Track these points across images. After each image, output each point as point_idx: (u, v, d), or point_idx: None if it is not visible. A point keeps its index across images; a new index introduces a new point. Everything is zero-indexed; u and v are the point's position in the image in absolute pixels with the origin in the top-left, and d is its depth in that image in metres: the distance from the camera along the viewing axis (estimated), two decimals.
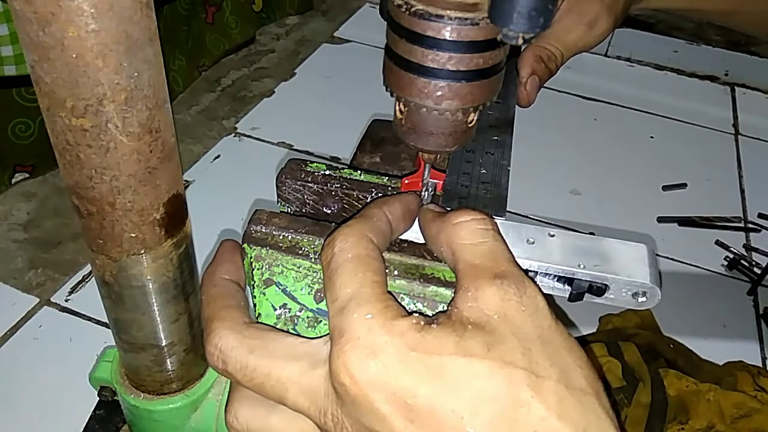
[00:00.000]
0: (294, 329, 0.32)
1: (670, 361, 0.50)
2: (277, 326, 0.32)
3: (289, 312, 0.32)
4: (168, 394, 0.39)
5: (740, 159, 0.89)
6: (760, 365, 0.63)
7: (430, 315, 0.28)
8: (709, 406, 0.45)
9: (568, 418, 0.24)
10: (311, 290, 0.31)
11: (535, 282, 0.28)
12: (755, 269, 0.72)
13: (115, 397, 0.43)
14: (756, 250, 0.75)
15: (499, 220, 0.32)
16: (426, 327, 0.26)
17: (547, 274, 0.31)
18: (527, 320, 0.26)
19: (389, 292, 0.27)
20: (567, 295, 0.31)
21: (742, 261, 0.73)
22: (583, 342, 0.51)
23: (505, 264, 0.27)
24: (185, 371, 0.39)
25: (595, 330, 0.61)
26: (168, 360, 0.38)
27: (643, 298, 0.31)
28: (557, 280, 0.31)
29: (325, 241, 0.29)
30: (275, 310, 0.32)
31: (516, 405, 0.24)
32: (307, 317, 0.32)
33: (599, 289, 0.31)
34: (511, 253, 0.29)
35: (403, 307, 0.27)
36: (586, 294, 0.31)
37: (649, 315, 0.61)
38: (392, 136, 0.46)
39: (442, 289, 0.30)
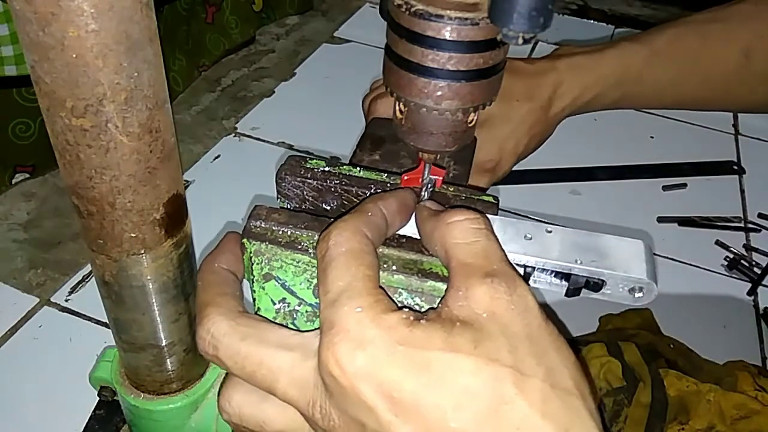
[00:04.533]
0: (293, 323, 0.32)
1: (670, 361, 0.50)
2: (276, 320, 0.32)
3: (288, 306, 0.32)
4: (168, 394, 0.39)
5: (740, 159, 0.89)
6: (760, 365, 0.63)
7: (426, 309, 0.28)
8: (709, 406, 0.45)
9: (551, 417, 0.24)
10: (310, 285, 0.32)
11: (526, 281, 0.28)
12: (755, 269, 0.72)
13: (115, 397, 0.43)
14: (756, 250, 0.75)
15: (496, 217, 0.32)
16: (415, 322, 0.26)
17: (544, 269, 0.31)
18: (516, 319, 0.26)
19: (381, 287, 0.28)
20: (564, 291, 0.31)
21: (742, 261, 0.73)
22: (584, 342, 0.51)
23: (496, 263, 0.28)
24: (185, 371, 0.39)
25: (595, 330, 0.61)
26: (168, 360, 0.38)
27: (640, 294, 0.31)
28: (554, 276, 0.32)
29: (320, 235, 0.29)
30: (274, 304, 0.32)
31: (500, 402, 0.24)
32: (306, 311, 0.32)
33: (596, 285, 0.31)
34: (503, 252, 0.29)
35: (394, 301, 0.27)
36: (583, 289, 0.31)
37: (649, 315, 0.61)
38: (392, 135, 0.46)
39: (440, 284, 0.30)
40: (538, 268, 0.31)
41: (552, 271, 0.31)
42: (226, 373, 0.32)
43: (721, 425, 0.44)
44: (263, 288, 0.32)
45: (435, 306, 0.28)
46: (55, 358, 0.60)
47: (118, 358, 0.41)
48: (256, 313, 0.33)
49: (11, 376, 0.58)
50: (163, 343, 0.37)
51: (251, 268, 0.32)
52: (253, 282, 0.32)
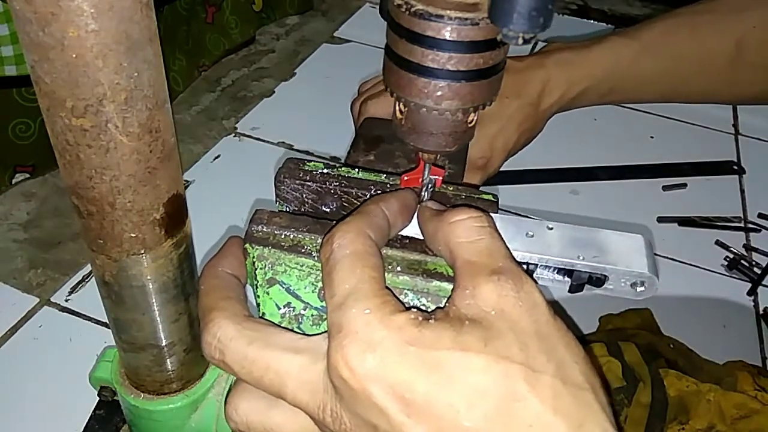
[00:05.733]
0: (299, 328, 0.32)
1: (670, 361, 0.50)
2: (282, 325, 0.32)
3: (294, 310, 0.32)
4: (168, 394, 0.39)
5: (740, 159, 0.89)
6: (760, 365, 0.63)
7: (433, 309, 0.28)
8: (709, 406, 0.45)
9: (563, 412, 0.24)
10: (315, 288, 0.31)
11: (532, 277, 0.28)
12: (755, 269, 0.72)
13: (115, 397, 0.43)
14: (756, 250, 0.75)
15: (497, 215, 0.32)
16: (423, 322, 0.26)
17: (547, 266, 0.31)
18: (524, 316, 0.26)
19: (387, 288, 0.28)
20: (567, 287, 0.31)
21: (742, 261, 0.73)
22: (584, 342, 0.51)
23: (501, 260, 0.28)
24: (185, 371, 0.39)
25: (595, 330, 0.61)
26: (168, 360, 0.38)
27: (642, 288, 0.31)
28: (557, 272, 0.32)
29: (323, 238, 0.29)
30: (279, 309, 0.32)
31: (512, 399, 0.24)
32: (312, 315, 0.32)
33: (598, 280, 0.31)
34: (508, 249, 0.29)
35: (401, 302, 0.27)
36: (586, 285, 0.31)
37: (649, 315, 0.61)
38: (386, 135, 0.46)
39: (445, 284, 0.30)
40: (541, 265, 0.31)
41: (554, 268, 0.31)
42: (233, 381, 0.32)
43: (721, 425, 0.44)
44: (267, 293, 0.32)
45: (441, 306, 0.28)
46: (55, 358, 0.60)
47: (118, 358, 0.41)
48: (261, 318, 0.33)
49: (11, 376, 0.58)
50: (163, 343, 0.37)
51: (255, 273, 0.32)
52: (257, 287, 0.32)
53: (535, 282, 0.28)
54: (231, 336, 0.29)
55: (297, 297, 0.32)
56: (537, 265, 0.31)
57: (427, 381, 0.25)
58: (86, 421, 0.50)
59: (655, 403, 0.45)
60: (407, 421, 0.25)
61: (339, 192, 0.36)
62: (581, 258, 0.30)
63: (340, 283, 0.27)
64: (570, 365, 0.26)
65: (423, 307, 0.30)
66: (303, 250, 0.31)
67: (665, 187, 0.83)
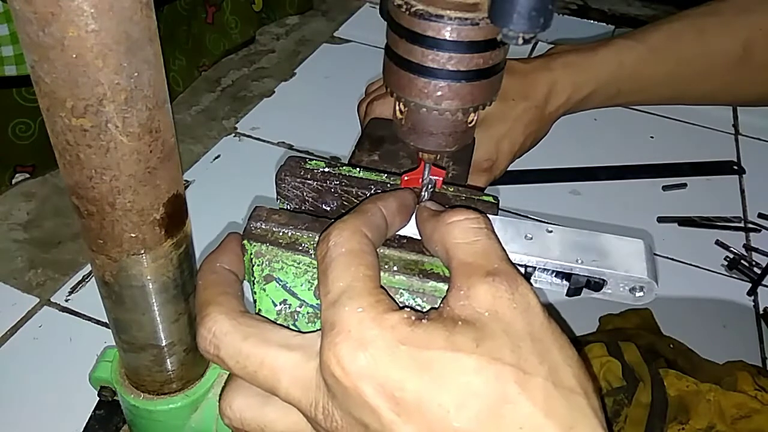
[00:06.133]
0: (294, 325, 0.32)
1: (670, 361, 0.50)
2: (278, 322, 0.32)
3: (290, 308, 0.32)
4: (168, 394, 0.39)
5: (740, 159, 0.89)
6: (760, 365, 0.63)
7: (428, 310, 0.28)
8: (709, 406, 0.45)
9: (554, 415, 0.24)
10: (311, 286, 0.31)
11: (528, 280, 0.28)
12: (755, 269, 0.72)
13: (115, 397, 0.43)
14: (756, 250, 0.75)
15: (496, 217, 0.32)
16: (416, 322, 0.26)
17: (545, 269, 0.31)
18: (518, 317, 0.26)
19: (382, 287, 0.28)
20: (565, 290, 0.31)
21: (742, 261, 0.73)
22: (584, 342, 0.51)
23: (497, 262, 0.28)
24: (185, 371, 0.39)
25: (595, 330, 0.61)
26: (168, 360, 0.38)
27: (641, 293, 0.31)
28: (555, 276, 0.31)
29: (320, 236, 0.29)
30: (275, 306, 0.32)
31: (502, 401, 0.24)
32: (307, 313, 0.32)
33: (597, 284, 0.31)
34: (504, 251, 0.29)
35: (395, 301, 0.27)
36: (584, 289, 0.31)
37: (649, 315, 0.61)
38: (391, 135, 0.46)
39: (441, 285, 0.30)
40: (539, 268, 0.31)
41: (553, 271, 0.31)
42: (227, 377, 0.32)
43: (721, 425, 0.44)
44: (264, 290, 0.32)
45: (437, 306, 0.28)
46: (55, 358, 0.60)
47: (118, 358, 0.41)
48: (257, 315, 0.33)
49: (11, 376, 0.58)
50: (163, 343, 0.37)
51: (252, 269, 0.32)
52: (254, 283, 0.32)
53: (531, 284, 0.28)
54: (226, 331, 0.29)
55: (293, 294, 0.32)
56: (535, 267, 0.31)
57: (418, 380, 0.25)
58: (86, 421, 0.50)
59: (655, 403, 0.45)
60: (397, 419, 0.25)
61: (339, 191, 0.36)
62: (580, 262, 0.30)
63: (334, 280, 0.27)
64: (563, 368, 0.26)
65: (419, 308, 0.30)
66: (300, 248, 0.31)
67: (665, 187, 0.83)
